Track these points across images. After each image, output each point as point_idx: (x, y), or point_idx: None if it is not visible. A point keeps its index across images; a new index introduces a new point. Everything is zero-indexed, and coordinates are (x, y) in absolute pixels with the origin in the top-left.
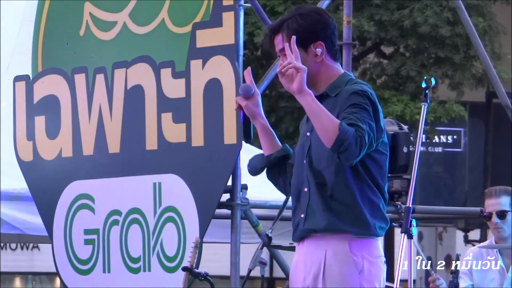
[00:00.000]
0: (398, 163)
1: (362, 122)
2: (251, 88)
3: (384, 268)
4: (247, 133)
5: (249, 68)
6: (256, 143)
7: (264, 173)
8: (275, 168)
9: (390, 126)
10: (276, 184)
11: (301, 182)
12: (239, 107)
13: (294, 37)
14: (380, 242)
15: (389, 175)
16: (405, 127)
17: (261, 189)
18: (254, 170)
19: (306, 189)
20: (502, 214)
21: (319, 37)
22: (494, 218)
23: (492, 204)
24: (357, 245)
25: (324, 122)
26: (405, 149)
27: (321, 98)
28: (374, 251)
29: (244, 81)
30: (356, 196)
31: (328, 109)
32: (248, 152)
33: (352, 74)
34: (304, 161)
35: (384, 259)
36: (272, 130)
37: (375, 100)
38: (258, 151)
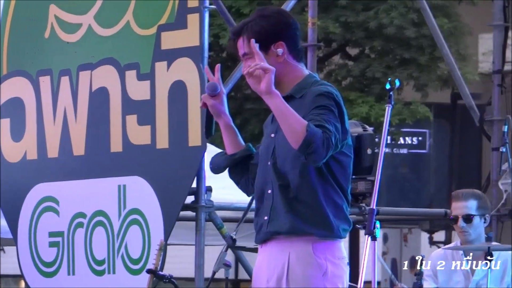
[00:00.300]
0: (363, 164)
1: (328, 123)
2: (217, 86)
3: (347, 269)
4: (208, 129)
5: (218, 65)
6: (216, 141)
7: (228, 175)
8: (238, 167)
9: (354, 128)
10: (237, 183)
11: (265, 183)
12: (204, 105)
13: (253, 40)
14: (343, 243)
15: (353, 176)
16: (370, 129)
17: (225, 191)
18: (216, 168)
19: (269, 191)
20: (468, 218)
21: (280, 37)
22: (460, 222)
23: (459, 208)
24: (321, 247)
25: (291, 124)
26: (369, 151)
27: (286, 99)
28: (337, 253)
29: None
30: (320, 198)
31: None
32: (211, 153)
33: (317, 75)
34: (269, 163)
35: (347, 260)
36: (236, 129)
37: (340, 102)
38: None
